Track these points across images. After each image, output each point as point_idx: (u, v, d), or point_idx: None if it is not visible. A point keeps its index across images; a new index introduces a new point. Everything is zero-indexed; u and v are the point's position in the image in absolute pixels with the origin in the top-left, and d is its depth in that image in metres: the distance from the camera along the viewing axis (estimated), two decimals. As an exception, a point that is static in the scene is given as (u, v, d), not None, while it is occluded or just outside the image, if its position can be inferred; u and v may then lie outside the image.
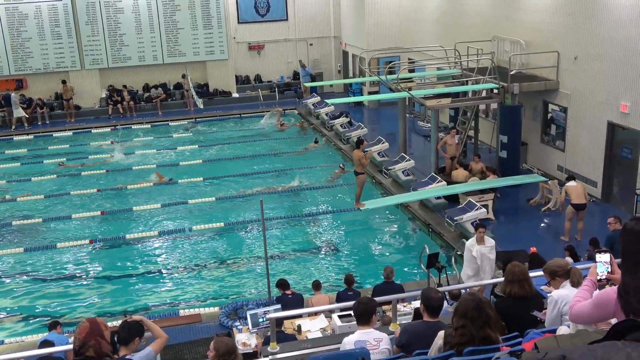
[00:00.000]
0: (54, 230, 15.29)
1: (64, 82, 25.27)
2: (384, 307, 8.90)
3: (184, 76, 26.11)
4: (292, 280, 11.10)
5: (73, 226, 15.53)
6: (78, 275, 13.19)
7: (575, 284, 5.53)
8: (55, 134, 23.88)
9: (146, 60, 26.74)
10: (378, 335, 5.69)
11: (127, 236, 14.68)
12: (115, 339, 5.03)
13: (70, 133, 24.02)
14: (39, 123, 25.02)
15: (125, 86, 26.24)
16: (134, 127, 24.52)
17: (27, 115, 24.50)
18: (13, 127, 24.38)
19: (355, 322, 7.55)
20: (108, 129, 24.37)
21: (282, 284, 10.06)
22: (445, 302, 8.66)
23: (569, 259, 9.21)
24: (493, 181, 14.87)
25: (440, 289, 8.57)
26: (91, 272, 13.31)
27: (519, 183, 15.46)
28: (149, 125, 24.62)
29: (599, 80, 14.62)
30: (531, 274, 6.24)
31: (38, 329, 10.85)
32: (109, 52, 26.28)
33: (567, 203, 13.36)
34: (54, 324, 9.27)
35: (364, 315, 5.77)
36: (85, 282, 12.90)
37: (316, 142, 21.51)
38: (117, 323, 10.34)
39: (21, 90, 25.58)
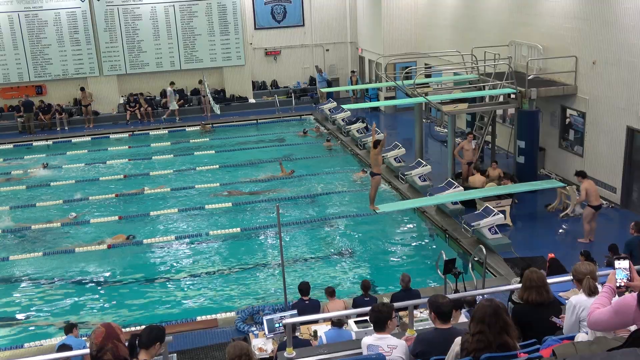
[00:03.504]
0: (73, 235, 15.41)
1: (82, 89, 25.54)
2: (401, 313, 8.87)
3: (201, 82, 26.27)
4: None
5: (91, 231, 15.65)
6: (95, 279, 13.27)
7: (587, 293, 5.44)
8: (73, 140, 24.11)
9: (164, 66, 26.96)
10: (393, 342, 5.64)
11: (145, 241, 14.76)
12: (137, 342, 5.06)
13: (88, 139, 24.26)
14: (58, 129, 25.28)
15: (141, 94, 26.46)
16: (151, 132, 24.74)
17: (178, 107, 26.03)
18: (164, 117, 25.97)
19: (371, 328, 7.55)
20: (126, 135, 24.59)
21: (303, 289, 9.99)
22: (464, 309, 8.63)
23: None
24: (510, 187, 14.77)
25: (455, 295, 8.54)
26: (108, 277, 13.39)
27: (537, 189, 15.35)
28: (166, 131, 24.80)
29: (617, 85, 14.49)
30: (549, 280, 6.18)
31: (56, 333, 10.93)
32: (127, 58, 26.52)
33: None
34: (70, 327, 9.30)
35: (378, 322, 5.77)
36: (102, 287, 12.97)
37: (328, 140, 22.17)
38: (134, 328, 10.44)
39: (40, 96, 25.91)
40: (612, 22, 14.44)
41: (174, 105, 25.94)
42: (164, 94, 26.91)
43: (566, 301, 5.83)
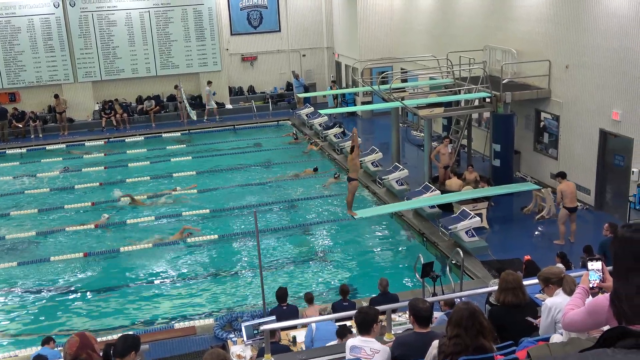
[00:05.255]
0: (48, 244, 15.21)
1: (56, 96, 25.26)
2: (379, 317, 8.88)
3: (176, 87, 26.12)
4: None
5: (67, 239, 15.46)
6: (72, 289, 13.10)
7: (568, 292, 5.52)
8: (48, 147, 23.84)
9: (139, 73, 26.77)
10: (377, 346, 5.65)
11: (122, 249, 14.62)
12: (112, 351, 5.01)
13: (63, 146, 23.98)
14: (32, 136, 24.96)
15: (116, 99, 26.24)
16: (127, 139, 24.54)
17: (216, 106, 26.42)
18: (205, 118, 26.14)
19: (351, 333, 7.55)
20: (101, 142, 24.35)
21: (280, 296, 9.97)
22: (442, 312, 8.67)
23: (560, 266, 9.22)
24: (487, 190, 14.89)
25: (433, 298, 8.58)
26: (85, 286, 13.22)
27: (513, 191, 15.49)
28: (142, 138, 24.61)
29: (590, 88, 14.69)
30: (525, 282, 6.24)
31: (31, 344, 10.76)
32: (102, 64, 26.29)
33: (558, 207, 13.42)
34: (47, 339, 9.23)
35: (364, 324, 5.76)
36: (79, 296, 12.81)
37: (312, 144, 22.15)
38: (111, 338, 10.32)
39: (14, 104, 25.56)
40: (585, 27, 14.64)
41: (212, 105, 26.28)
42: (139, 100, 26.73)
43: (542, 303, 5.89)
